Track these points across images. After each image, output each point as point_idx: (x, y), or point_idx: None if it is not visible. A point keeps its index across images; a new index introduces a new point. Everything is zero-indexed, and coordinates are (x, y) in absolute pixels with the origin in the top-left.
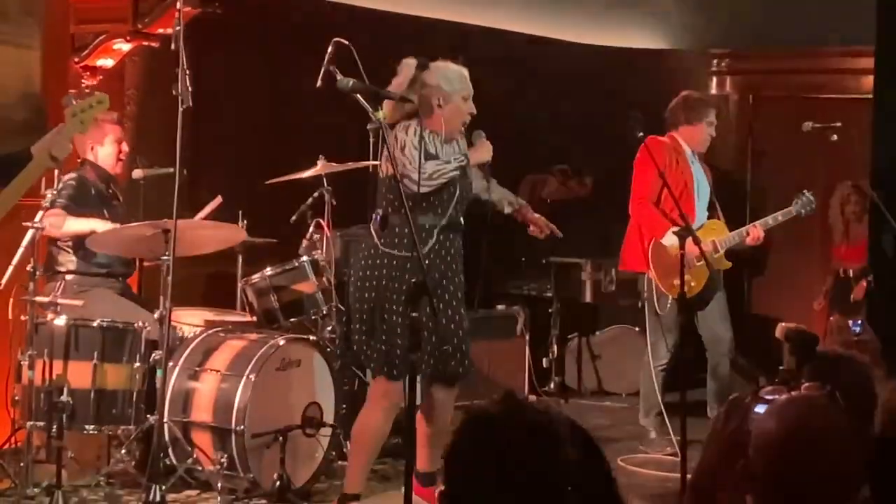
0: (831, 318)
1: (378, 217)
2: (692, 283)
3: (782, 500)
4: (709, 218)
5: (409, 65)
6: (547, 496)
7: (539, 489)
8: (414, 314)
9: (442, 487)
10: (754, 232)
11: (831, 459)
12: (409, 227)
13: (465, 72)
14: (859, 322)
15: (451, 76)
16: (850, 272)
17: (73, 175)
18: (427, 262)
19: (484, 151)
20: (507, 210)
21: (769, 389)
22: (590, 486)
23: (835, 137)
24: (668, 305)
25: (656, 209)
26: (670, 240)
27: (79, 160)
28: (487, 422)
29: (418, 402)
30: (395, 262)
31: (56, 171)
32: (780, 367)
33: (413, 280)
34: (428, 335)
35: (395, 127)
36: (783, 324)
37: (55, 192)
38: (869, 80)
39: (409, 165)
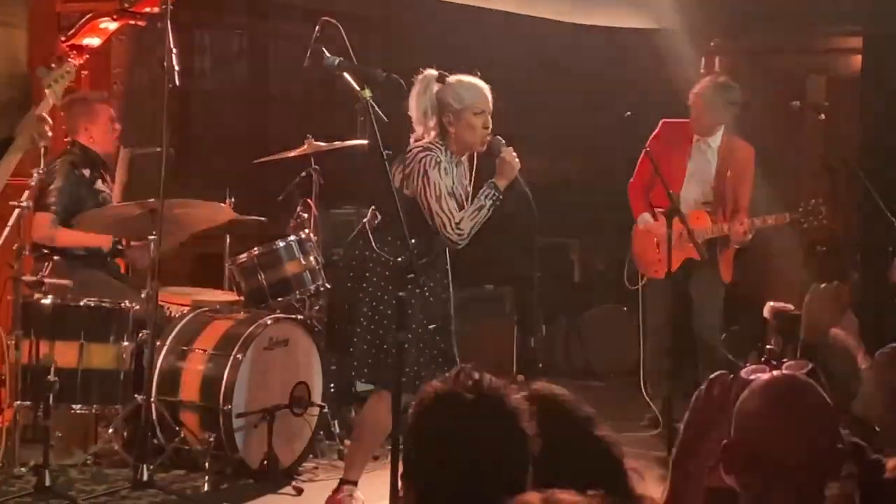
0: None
1: (376, 220)
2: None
3: (765, 478)
4: (706, 204)
5: (426, 77)
6: (497, 470)
7: (489, 463)
8: (401, 293)
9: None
10: (737, 228)
11: (813, 437)
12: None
13: (482, 85)
14: None
15: (461, 92)
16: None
17: (59, 171)
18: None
19: (508, 170)
20: None
21: (751, 368)
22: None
23: (822, 117)
24: (640, 283)
25: (639, 193)
26: (642, 222)
27: (66, 140)
28: (436, 400)
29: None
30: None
31: (42, 149)
32: (767, 346)
33: (399, 259)
34: (420, 348)
35: (414, 149)
36: (771, 303)
37: (42, 171)
38: (857, 60)
39: (448, 225)
